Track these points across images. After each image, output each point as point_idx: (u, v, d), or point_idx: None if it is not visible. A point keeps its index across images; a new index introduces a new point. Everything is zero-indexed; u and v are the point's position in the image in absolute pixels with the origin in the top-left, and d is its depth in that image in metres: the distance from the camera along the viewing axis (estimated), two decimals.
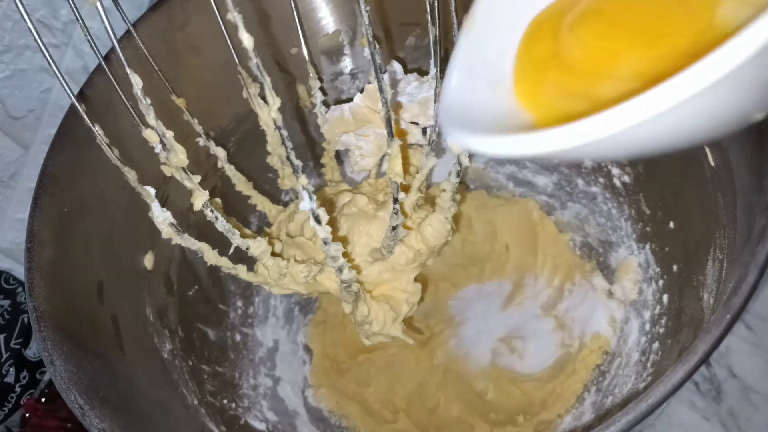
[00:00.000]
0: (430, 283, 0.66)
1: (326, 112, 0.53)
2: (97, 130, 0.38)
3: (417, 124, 0.50)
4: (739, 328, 0.55)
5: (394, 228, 0.43)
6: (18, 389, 0.60)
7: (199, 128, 0.50)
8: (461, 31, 0.30)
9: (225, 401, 0.55)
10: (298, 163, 0.33)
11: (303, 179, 0.34)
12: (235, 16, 0.28)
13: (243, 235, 0.43)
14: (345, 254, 0.42)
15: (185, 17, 0.50)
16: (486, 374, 0.61)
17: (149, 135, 0.38)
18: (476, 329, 0.64)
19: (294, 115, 0.60)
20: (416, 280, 0.49)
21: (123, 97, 0.39)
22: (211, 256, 0.44)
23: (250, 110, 0.51)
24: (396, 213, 0.42)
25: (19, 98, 0.58)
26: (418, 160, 0.50)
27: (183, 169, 0.40)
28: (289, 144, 0.32)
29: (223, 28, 0.46)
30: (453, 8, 0.39)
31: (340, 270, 0.41)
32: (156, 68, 0.46)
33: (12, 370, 0.60)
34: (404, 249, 0.47)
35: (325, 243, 0.39)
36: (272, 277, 0.46)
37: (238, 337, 0.61)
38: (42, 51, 0.34)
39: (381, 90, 0.36)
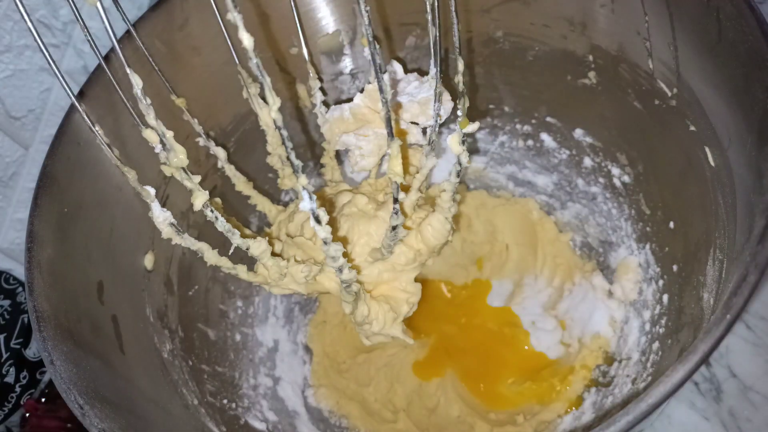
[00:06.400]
0: (430, 283, 0.66)
1: (326, 112, 0.53)
2: (97, 130, 0.38)
3: (417, 124, 0.50)
4: (739, 328, 0.55)
5: (394, 228, 0.43)
6: (18, 389, 0.60)
7: (199, 128, 0.50)
8: None
9: (225, 401, 0.55)
10: (298, 163, 0.33)
11: (303, 179, 0.34)
12: (235, 16, 0.28)
13: (243, 235, 0.43)
14: (345, 254, 0.42)
15: (185, 17, 0.50)
16: None
17: (149, 135, 0.38)
18: None
19: (294, 115, 0.60)
20: (416, 280, 0.49)
21: (123, 97, 0.39)
22: (211, 256, 0.44)
23: (250, 110, 0.51)
24: (396, 213, 0.41)
25: (19, 98, 0.58)
26: (418, 160, 0.50)
27: (183, 169, 0.40)
28: (289, 144, 0.32)
29: (223, 28, 0.46)
30: (453, 8, 0.38)
31: (340, 270, 0.41)
32: (156, 68, 0.46)
33: (12, 370, 0.60)
34: (404, 249, 0.47)
35: (325, 243, 0.39)
36: (272, 277, 0.46)
37: (238, 337, 0.61)
38: (42, 51, 0.34)
39: (381, 90, 0.36)
